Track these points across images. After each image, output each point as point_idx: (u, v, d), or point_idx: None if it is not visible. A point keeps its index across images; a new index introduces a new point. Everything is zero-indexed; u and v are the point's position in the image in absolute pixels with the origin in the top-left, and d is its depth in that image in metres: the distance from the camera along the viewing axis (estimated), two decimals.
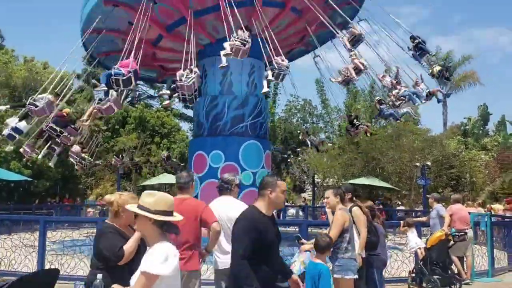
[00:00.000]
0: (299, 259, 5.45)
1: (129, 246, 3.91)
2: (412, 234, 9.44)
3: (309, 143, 20.36)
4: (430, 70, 14.55)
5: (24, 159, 15.99)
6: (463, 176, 30.83)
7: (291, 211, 25.89)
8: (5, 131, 13.26)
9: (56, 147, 15.40)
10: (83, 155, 18.39)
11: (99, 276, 3.47)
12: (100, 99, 13.24)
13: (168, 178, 26.37)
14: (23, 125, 13.07)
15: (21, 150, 15.33)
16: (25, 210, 22.92)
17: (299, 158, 34.45)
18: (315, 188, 32.26)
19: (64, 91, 14.97)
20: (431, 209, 10.69)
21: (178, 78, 12.23)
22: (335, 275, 5.57)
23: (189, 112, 38.16)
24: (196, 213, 4.89)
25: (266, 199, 3.94)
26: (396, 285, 9.33)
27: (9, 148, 15.47)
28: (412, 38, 14.30)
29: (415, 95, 13.97)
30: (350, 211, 6.19)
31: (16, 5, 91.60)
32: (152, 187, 31.92)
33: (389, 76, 14.13)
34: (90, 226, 17.46)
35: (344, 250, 5.60)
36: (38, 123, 15.46)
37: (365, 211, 6.40)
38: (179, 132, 37.80)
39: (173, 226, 3.11)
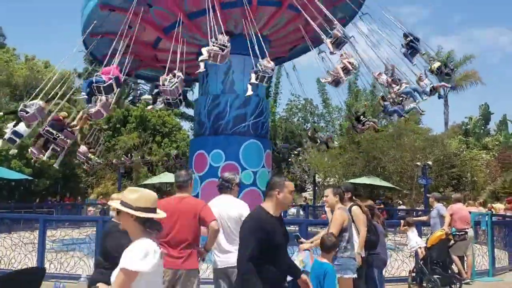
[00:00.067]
0: (298, 258, 5.42)
1: None
2: (412, 233, 9.42)
3: (318, 140, 20.51)
4: (429, 67, 14.38)
5: (32, 160, 16.17)
6: (464, 176, 30.80)
7: (292, 210, 25.96)
8: (6, 135, 13.45)
9: (58, 149, 15.51)
10: (89, 155, 19.14)
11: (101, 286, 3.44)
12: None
13: (169, 177, 26.39)
14: (22, 129, 13.22)
15: (29, 151, 15.51)
16: (25, 209, 22.91)
17: (300, 158, 34.42)
18: (316, 188, 32.25)
19: (62, 91, 15.04)
20: (431, 209, 10.66)
21: (161, 83, 12.30)
22: None
23: (190, 112, 38.13)
24: (195, 212, 4.87)
25: (274, 200, 3.90)
26: (397, 284, 9.31)
27: (13, 151, 15.74)
28: (405, 36, 14.10)
29: (416, 92, 13.85)
30: (350, 210, 6.17)
31: (17, 5, 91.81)
32: (153, 186, 31.99)
33: (385, 73, 13.99)
34: (90, 225, 17.45)
35: (343, 249, 5.58)
36: (40, 125, 15.52)
37: (364, 210, 6.38)
38: (180, 131, 37.79)
39: (156, 223, 3.08)
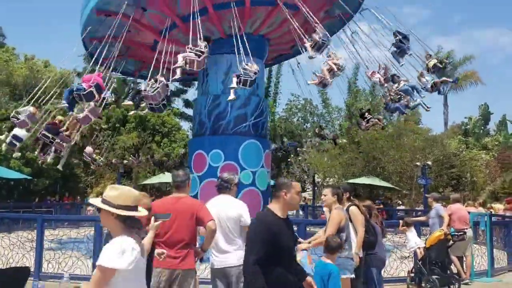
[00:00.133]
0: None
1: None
2: (411, 233, 9.39)
3: (325, 136, 20.51)
4: (426, 65, 14.11)
5: (40, 162, 16.52)
6: (463, 176, 30.79)
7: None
8: (8, 139, 13.77)
9: (61, 151, 15.73)
10: (94, 156, 19.96)
11: None
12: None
13: (168, 177, 26.35)
14: (22, 133, 13.50)
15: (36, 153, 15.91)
16: (25, 209, 22.89)
17: (300, 158, 34.41)
18: (315, 188, 32.23)
19: (60, 90, 15.14)
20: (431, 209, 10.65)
21: (143, 88, 12.34)
22: None
23: (190, 111, 38.11)
24: (192, 212, 4.86)
25: (281, 201, 3.86)
26: (395, 285, 9.29)
27: (16, 154, 16.00)
28: (395, 34, 13.77)
29: (414, 90, 13.70)
30: (348, 210, 6.15)
31: (17, 5, 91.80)
32: (152, 186, 32.00)
33: (378, 72, 13.83)
34: (89, 225, 17.41)
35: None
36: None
37: (362, 210, 6.37)
38: (179, 131, 37.75)
39: (136, 221, 3.07)
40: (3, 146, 14.39)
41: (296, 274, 3.98)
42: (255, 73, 12.13)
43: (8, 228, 16.45)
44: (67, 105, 12.58)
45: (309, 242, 6.03)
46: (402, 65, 13.94)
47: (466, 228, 10.04)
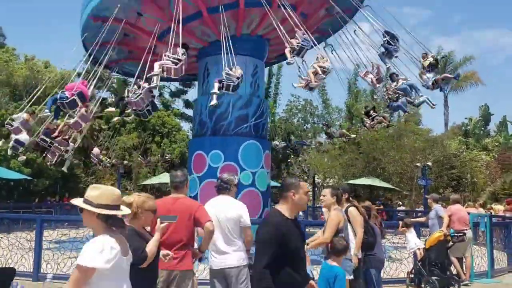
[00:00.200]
0: None
1: (150, 248, 3.90)
2: (411, 234, 9.37)
3: (332, 134, 20.54)
4: (421, 65, 13.89)
5: (48, 163, 16.78)
6: (464, 177, 30.76)
7: None
8: (10, 143, 14.11)
9: (64, 153, 15.89)
10: (101, 157, 20.45)
11: None
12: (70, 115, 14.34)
13: (168, 178, 26.36)
14: (24, 137, 13.72)
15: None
16: (24, 209, 22.90)
17: (300, 159, 34.38)
18: (316, 189, 32.20)
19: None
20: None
21: (126, 94, 12.46)
22: None
23: (190, 112, 38.11)
24: (189, 212, 4.84)
25: (289, 201, 3.79)
26: (394, 286, 9.27)
27: (21, 158, 16.31)
28: (383, 35, 13.42)
29: (412, 88, 13.58)
30: (347, 211, 6.14)
31: (17, 5, 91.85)
32: (152, 186, 31.99)
33: (371, 73, 13.71)
34: None
35: None
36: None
37: (361, 211, 6.35)
38: (179, 132, 37.76)
39: (118, 220, 3.06)
40: (9, 150, 14.69)
41: (304, 275, 3.93)
42: (238, 78, 12.11)
43: (8, 229, 16.44)
44: (49, 113, 13.03)
45: (307, 244, 6.01)
46: (388, 67, 13.63)
47: (466, 229, 10.02)
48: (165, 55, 11.72)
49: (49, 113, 13.03)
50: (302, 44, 11.93)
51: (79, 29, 15.98)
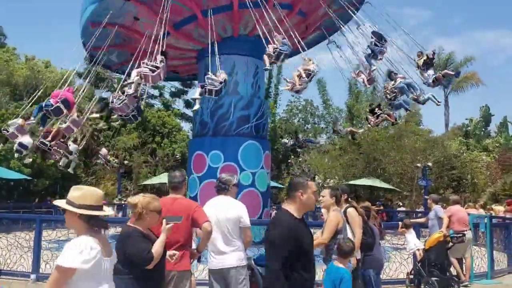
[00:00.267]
0: None
1: (156, 249, 3.88)
2: (410, 235, 9.35)
3: (339, 131, 20.52)
4: (416, 64, 13.72)
5: (59, 165, 16.94)
6: (464, 177, 30.75)
7: None
8: (15, 146, 14.35)
9: (68, 155, 15.99)
10: (109, 157, 20.83)
11: None
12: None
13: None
14: (26, 140, 13.97)
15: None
16: (24, 209, 22.88)
17: (300, 159, 34.36)
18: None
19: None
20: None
21: (110, 100, 12.56)
22: None
23: (190, 112, 38.10)
24: (187, 213, 4.83)
25: (297, 201, 3.74)
26: (394, 286, 9.25)
27: (27, 160, 16.44)
28: (371, 36, 13.12)
29: (410, 87, 13.50)
30: (345, 212, 6.12)
31: (17, 5, 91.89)
32: (153, 187, 31.97)
33: (363, 73, 13.62)
34: None
35: None
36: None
37: (360, 212, 6.34)
38: (180, 132, 37.77)
39: (101, 221, 3.06)
40: (15, 154, 15.00)
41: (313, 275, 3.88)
42: (220, 82, 12.05)
43: (7, 229, 16.41)
44: (34, 121, 13.41)
45: None
46: (374, 69, 13.40)
47: (466, 230, 10.00)
48: (143, 63, 11.78)
49: (34, 121, 13.53)
50: (280, 50, 11.72)
51: (79, 30, 16.03)
